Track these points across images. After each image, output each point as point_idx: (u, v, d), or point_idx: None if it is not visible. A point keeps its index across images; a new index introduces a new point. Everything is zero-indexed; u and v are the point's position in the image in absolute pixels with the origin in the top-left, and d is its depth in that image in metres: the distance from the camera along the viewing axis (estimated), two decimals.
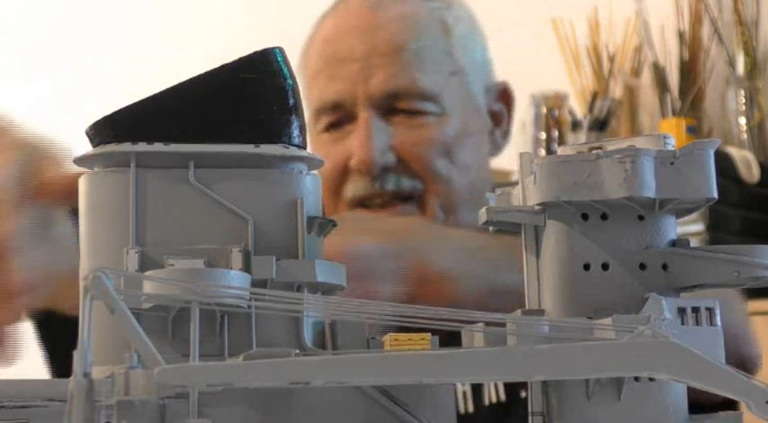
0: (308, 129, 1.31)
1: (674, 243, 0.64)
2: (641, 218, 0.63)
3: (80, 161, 0.67)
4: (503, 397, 1.22)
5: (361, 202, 1.24)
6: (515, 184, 0.67)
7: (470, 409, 1.21)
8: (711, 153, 0.63)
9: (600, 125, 2.12)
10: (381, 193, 1.22)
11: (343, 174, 1.24)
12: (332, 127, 1.26)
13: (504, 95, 1.34)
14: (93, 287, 0.54)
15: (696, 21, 2.13)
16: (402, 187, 1.22)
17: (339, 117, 1.25)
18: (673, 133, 0.64)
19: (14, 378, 0.60)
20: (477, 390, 1.23)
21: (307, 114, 1.28)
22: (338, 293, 0.67)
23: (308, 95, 1.28)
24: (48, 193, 0.93)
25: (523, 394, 1.21)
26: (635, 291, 0.62)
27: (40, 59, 2.88)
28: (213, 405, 0.58)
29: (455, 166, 1.24)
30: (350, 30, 1.27)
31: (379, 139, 1.22)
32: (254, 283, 0.62)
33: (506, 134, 1.37)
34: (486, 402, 1.22)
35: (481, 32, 1.33)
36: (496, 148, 1.36)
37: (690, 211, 0.65)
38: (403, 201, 1.22)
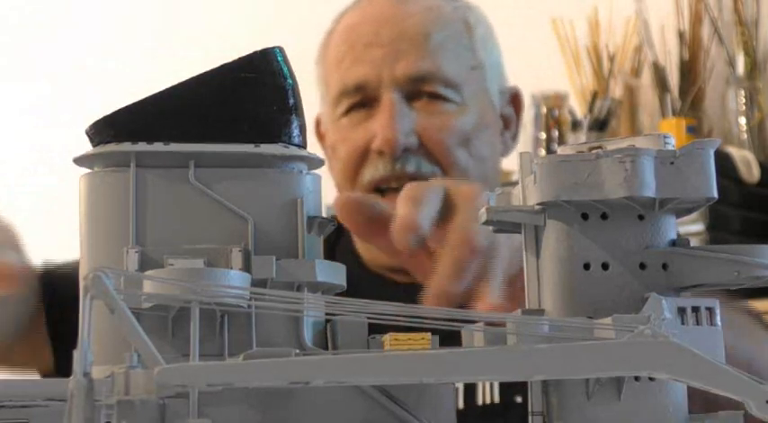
0: (327, 116, 1.32)
1: (674, 243, 0.64)
2: (641, 217, 0.63)
3: (80, 161, 0.67)
4: (497, 399, 1.22)
5: (377, 187, 1.25)
6: (515, 183, 0.67)
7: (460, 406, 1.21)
8: (711, 153, 0.63)
9: (600, 125, 2.11)
10: (400, 175, 1.23)
11: (361, 157, 1.26)
12: (352, 109, 1.26)
13: (514, 100, 1.36)
14: (93, 287, 0.54)
15: (696, 21, 2.12)
16: (422, 171, 1.23)
17: (361, 99, 1.26)
18: (673, 133, 0.64)
19: (15, 378, 0.60)
20: (470, 390, 1.23)
21: (326, 102, 1.29)
22: None
23: (329, 83, 1.30)
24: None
25: (518, 399, 1.21)
26: (635, 290, 0.62)
27: (40, 59, 2.88)
28: (213, 405, 0.58)
29: (472, 158, 1.26)
30: (375, 18, 1.29)
31: (402, 121, 1.23)
32: (255, 283, 0.62)
33: (515, 137, 1.39)
34: (480, 403, 1.22)
35: (496, 37, 1.35)
36: (506, 149, 1.37)
37: (690, 211, 0.65)
38: None
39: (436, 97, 1.25)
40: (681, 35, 2.14)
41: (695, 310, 0.62)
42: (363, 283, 1.28)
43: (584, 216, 0.63)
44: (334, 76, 1.28)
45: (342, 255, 1.33)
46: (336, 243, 1.34)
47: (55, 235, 2.03)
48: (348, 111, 1.27)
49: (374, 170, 1.24)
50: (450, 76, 1.26)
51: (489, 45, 1.32)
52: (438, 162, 1.24)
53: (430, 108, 1.25)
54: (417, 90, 1.25)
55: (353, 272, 1.33)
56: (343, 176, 1.27)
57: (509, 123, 1.35)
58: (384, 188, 1.24)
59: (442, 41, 1.27)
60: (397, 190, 1.21)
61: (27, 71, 2.90)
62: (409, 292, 1.25)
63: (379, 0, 1.31)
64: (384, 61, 1.25)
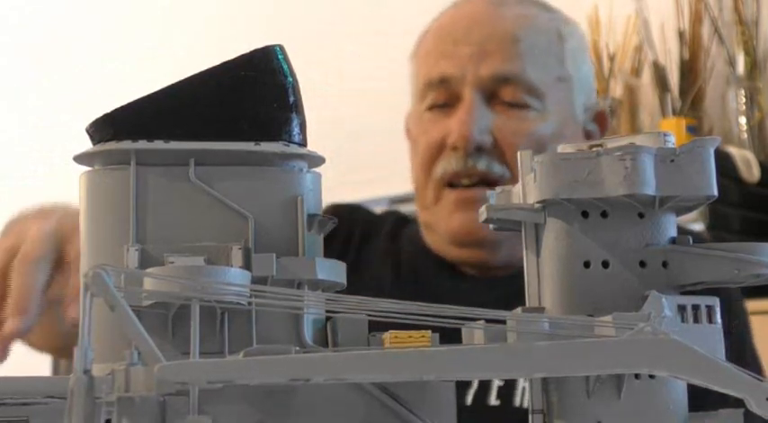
0: (413, 110, 1.35)
1: (674, 241, 0.64)
2: (641, 215, 0.63)
3: (80, 159, 0.67)
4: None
5: (450, 182, 1.27)
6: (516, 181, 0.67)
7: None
8: (711, 151, 0.63)
9: None
10: (471, 172, 1.26)
11: (437, 152, 1.28)
12: (435, 107, 1.29)
13: (599, 118, 1.36)
14: (93, 284, 0.54)
15: (696, 20, 2.12)
16: (492, 170, 1.26)
17: (444, 96, 1.29)
18: (673, 133, 0.63)
19: (15, 375, 0.60)
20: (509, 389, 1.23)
21: (414, 97, 1.31)
22: None
23: (417, 76, 1.33)
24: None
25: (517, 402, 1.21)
26: (635, 288, 0.62)
27: (40, 59, 2.89)
28: (213, 402, 0.58)
29: None
30: (469, 17, 1.32)
31: (479, 119, 1.26)
32: (255, 281, 0.62)
33: None
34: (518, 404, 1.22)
35: (589, 54, 1.35)
36: None
37: (690, 209, 0.65)
38: (488, 185, 1.25)
39: (515, 106, 1.27)
40: (681, 34, 2.14)
41: (695, 307, 0.62)
42: (429, 272, 1.29)
43: (585, 214, 0.63)
44: (423, 68, 1.32)
45: (407, 243, 1.34)
46: (399, 231, 1.35)
47: None
48: (431, 107, 1.29)
49: (447, 164, 1.27)
50: (533, 81, 1.27)
51: (579, 59, 1.34)
52: (509, 165, 1.26)
53: (509, 113, 1.27)
54: (498, 93, 1.27)
55: (419, 261, 1.32)
56: (420, 170, 1.30)
57: (591, 140, 1.36)
58: (456, 184, 1.27)
59: (529, 47, 1.28)
60: (467, 187, 1.23)
61: (27, 71, 2.90)
62: (477, 283, 1.26)
63: (478, 1, 1.34)
64: (470, 60, 1.27)
